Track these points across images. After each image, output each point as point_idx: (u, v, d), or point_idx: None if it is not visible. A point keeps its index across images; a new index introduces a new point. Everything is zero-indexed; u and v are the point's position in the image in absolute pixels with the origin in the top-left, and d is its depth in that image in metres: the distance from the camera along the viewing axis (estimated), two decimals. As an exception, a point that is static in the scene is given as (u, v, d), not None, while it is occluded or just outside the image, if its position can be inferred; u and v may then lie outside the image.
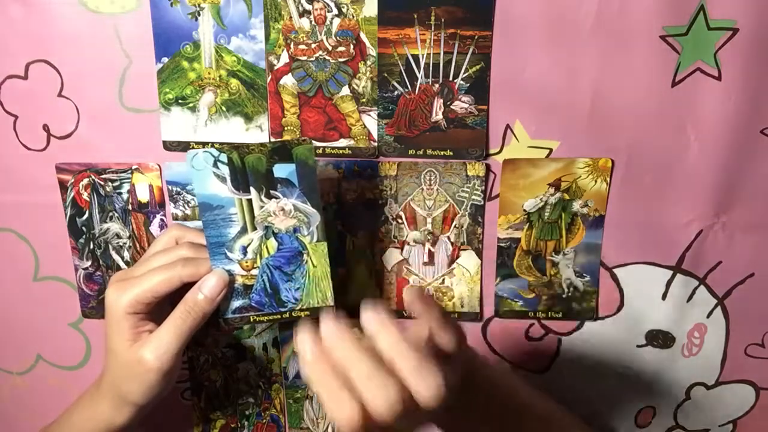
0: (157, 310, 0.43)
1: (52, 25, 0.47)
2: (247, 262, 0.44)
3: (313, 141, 0.49)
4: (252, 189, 0.42)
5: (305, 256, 0.44)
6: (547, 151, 0.49)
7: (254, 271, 0.44)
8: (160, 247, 0.46)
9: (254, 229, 0.43)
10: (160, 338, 0.42)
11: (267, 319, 0.45)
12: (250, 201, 0.42)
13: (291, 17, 0.46)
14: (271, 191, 0.42)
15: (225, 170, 0.41)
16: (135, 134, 0.49)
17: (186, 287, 0.43)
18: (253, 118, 0.49)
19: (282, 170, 0.42)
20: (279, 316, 0.45)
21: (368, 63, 0.47)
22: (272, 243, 0.44)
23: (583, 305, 0.53)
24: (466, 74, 0.47)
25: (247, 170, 0.42)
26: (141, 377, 0.42)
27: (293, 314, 0.45)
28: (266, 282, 0.44)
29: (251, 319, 0.45)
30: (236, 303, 0.44)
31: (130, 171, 0.50)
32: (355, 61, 0.47)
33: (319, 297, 0.45)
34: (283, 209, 0.43)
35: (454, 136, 0.48)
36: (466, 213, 0.50)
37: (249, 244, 0.43)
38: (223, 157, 0.41)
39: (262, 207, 0.43)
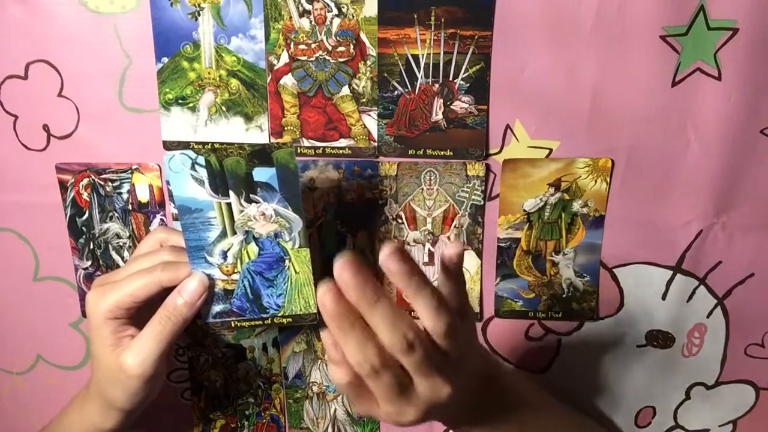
0: (139, 314, 0.42)
1: (52, 25, 0.47)
2: (227, 267, 0.43)
3: (313, 141, 0.49)
4: (231, 193, 0.41)
5: (287, 262, 0.43)
6: (547, 151, 0.49)
7: (235, 276, 0.43)
8: (143, 250, 0.45)
9: (234, 233, 0.42)
10: (141, 344, 0.41)
11: (249, 325, 0.44)
12: (229, 205, 0.41)
13: (291, 17, 0.46)
14: (251, 195, 0.41)
15: (203, 173, 0.40)
16: (135, 134, 0.49)
17: (169, 291, 0.42)
18: (253, 118, 0.49)
19: (262, 174, 0.41)
20: (261, 322, 0.44)
21: (368, 63, 0.47)
22: (253, 248, 0.43)
23: (583, 305, 0.53)
24: (466, 74, 0.47)
25: (226, 173, 0.41)
26: (123, 383, 0.41)
27: (275, 321, 0.44)
28: (247, 287, 0.43)
29: (232, 324, 0.44)
30: (217, 308, 0.43)
31: (130, 171, 0.50)
32: (355, 61, 0.47)
33: (302, 304, 0.44)
34: (263, 214, 0.42)
35: (454, 136, 0.48)
36: (466, 213, 0.50)
37: (229, 249, 0.42)
38: (201, 160, 0.40)
39: (242, 211, 0.42)
